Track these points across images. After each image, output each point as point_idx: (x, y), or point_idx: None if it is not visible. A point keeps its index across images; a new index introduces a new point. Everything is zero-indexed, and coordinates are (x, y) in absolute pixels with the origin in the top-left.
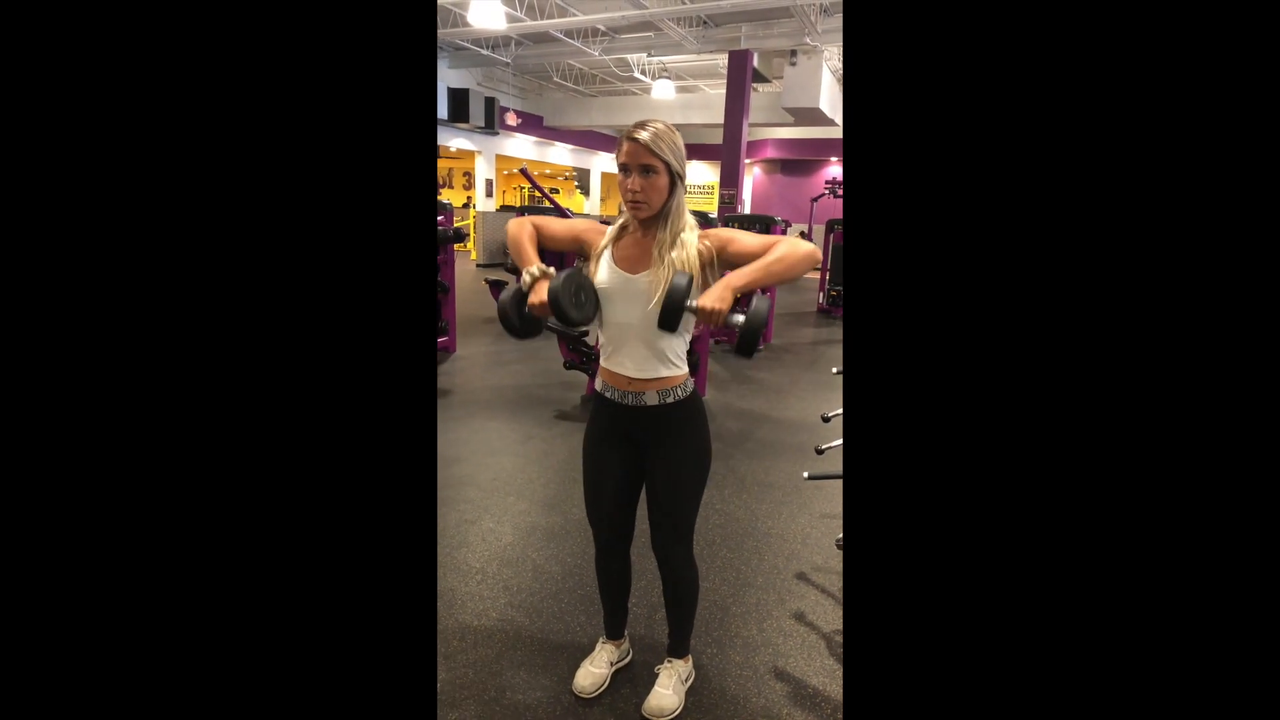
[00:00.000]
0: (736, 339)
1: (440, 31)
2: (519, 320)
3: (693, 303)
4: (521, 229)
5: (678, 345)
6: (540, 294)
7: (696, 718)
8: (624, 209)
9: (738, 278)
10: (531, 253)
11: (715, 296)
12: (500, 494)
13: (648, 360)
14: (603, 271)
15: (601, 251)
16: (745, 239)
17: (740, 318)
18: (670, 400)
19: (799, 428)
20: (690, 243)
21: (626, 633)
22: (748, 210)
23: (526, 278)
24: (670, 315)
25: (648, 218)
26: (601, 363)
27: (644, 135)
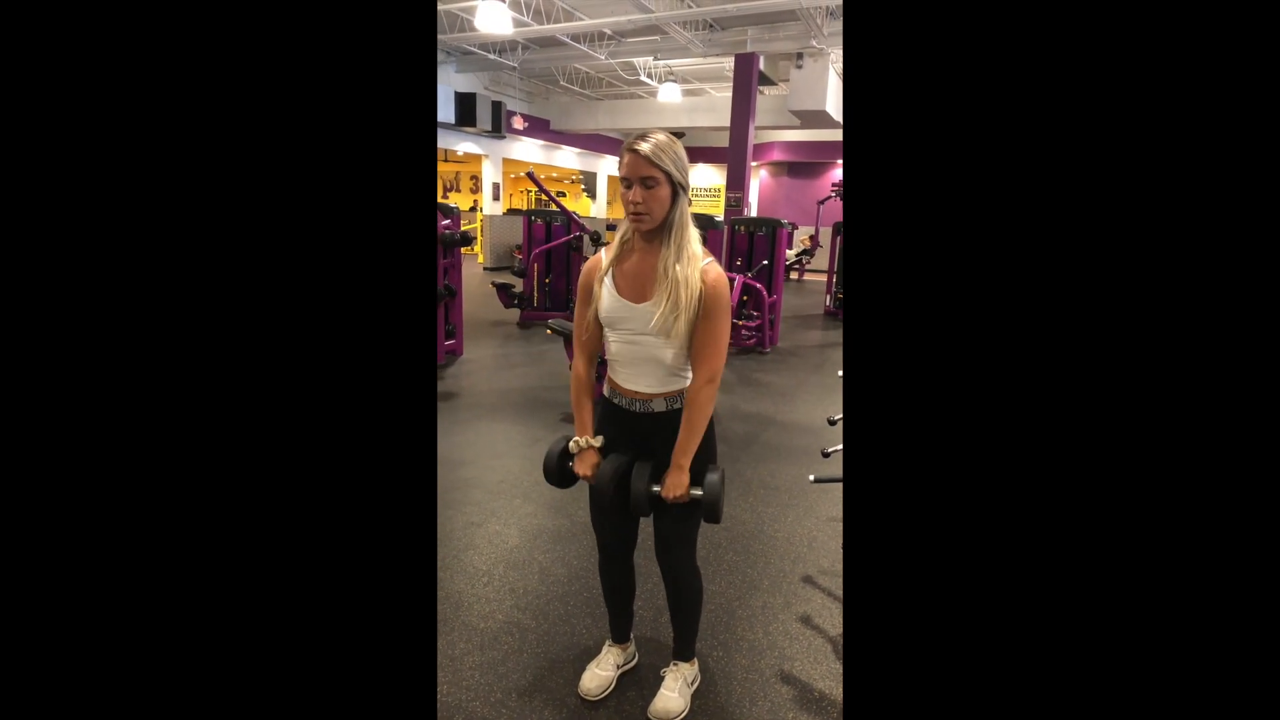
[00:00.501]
0: (703, 510)
1: (447, 36)
2: (559, 477)
3: (657, 489)
4: (578, 387)
5: (681, 360)
6: (585, 467)
7: None
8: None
9: (681, 455)
10: (586, 420)
11: (673, 484)
12: (507, 497)
13: (655, 375)
14: (606, 299)
15: (603, 274)
16: (711, 331)
17: (699, 492)
18: (678, 406)
19: (805, 431)
20: (697, 257)
21: (632, 635)
22: (754, 213)
23: (573, 447)
24: (642, 511)
25: (650, 229)
26: (609, 373)
27: (644, 147)
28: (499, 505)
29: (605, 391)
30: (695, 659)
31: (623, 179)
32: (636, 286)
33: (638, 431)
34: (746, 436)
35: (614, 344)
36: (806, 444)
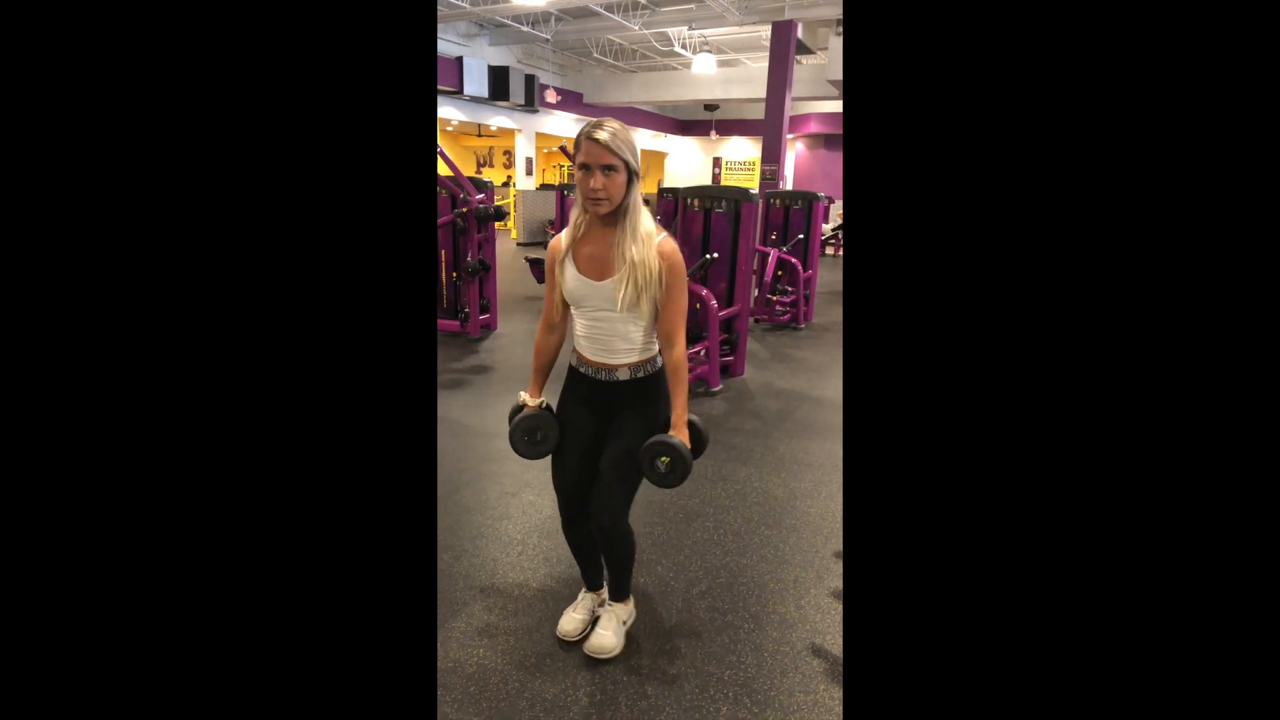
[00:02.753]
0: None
1: (480, 9)
2: (526, 445)
3: (665, 459)
4: (535, 357)
5: (648, 335)
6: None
7: (734, 691)
8: (583, 206)
9: (681, 415)
10: (533, 383)
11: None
12: (541, 467)
13: (620, 349)
14: (569, 279)
15: (564, 257)
16: (675, 302)
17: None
18: (641, 375)
19: (839, 408)
20: (651, 237)
21: (605, 583)
22: (790, 186)
23: (521, 401)
24: (664, 481)
25: (608, 213)
26: (575, 346)
27: (603, 135)
28: (533, 476)
29: (572, 362)
30: (630, 599)
31: (580, 165)
32: (596, 266)
33: (602, 398)
34: (780, 412)
35: (580, 322)
36: (839, 421)
